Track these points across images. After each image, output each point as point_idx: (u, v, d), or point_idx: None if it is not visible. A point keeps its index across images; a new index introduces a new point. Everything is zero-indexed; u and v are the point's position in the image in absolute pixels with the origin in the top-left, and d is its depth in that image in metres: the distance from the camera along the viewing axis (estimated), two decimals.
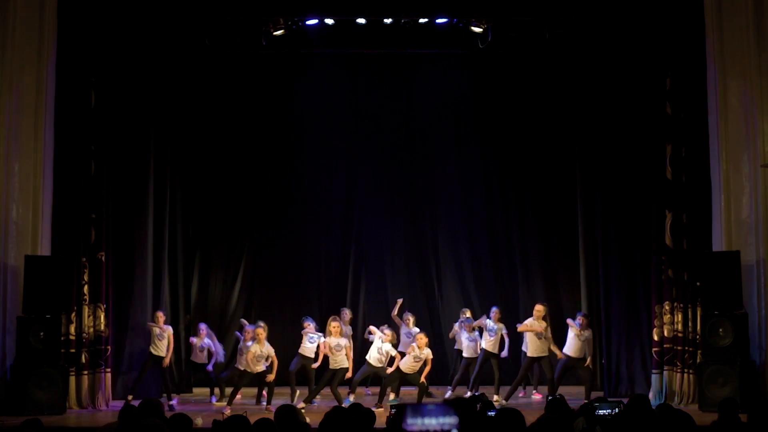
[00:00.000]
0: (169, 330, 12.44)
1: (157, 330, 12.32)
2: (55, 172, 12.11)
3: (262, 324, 12.45)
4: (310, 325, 12.58)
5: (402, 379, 12.34)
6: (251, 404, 12.37)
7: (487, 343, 12.80)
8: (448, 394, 13.11)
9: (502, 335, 12.87)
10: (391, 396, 12.48)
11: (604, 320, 13.14)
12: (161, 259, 13.68)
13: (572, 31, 13.02)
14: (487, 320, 12.92)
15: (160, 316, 12.46)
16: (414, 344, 12.24)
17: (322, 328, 12.63)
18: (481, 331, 13.02)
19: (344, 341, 12.34)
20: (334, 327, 12.30)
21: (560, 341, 12.74)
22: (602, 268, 13.27)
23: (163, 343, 12.31)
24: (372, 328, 12.72)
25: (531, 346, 12.58)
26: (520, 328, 12.77)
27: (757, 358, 11.56)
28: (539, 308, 12.65)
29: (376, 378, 12.69)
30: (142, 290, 13.23)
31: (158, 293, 13.58)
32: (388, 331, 12.43)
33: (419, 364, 12.17)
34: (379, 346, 12.33)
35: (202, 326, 13.23)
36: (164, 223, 13.75)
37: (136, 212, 13.29)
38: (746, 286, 11.63)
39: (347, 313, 13.32)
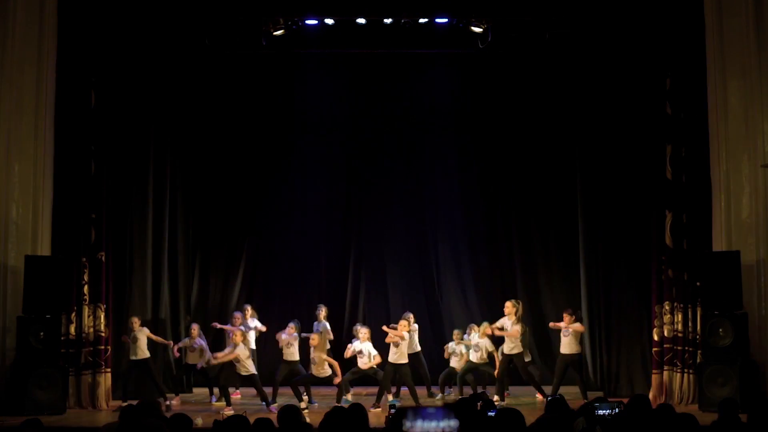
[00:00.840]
0: (144, 330, 12.45)
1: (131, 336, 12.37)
2: (55, 172, 12.12)
3: (241, 327, 12.67)
4: (293, 328, 12.55)
5: (396, 373, 12.29)
6: (251, 404, 12.37)
7: (474, 356, 12.90)
8: (438, 396, 13.16)
9: (490, 352, 12.91)
10: (390, 397, 12.47)
11: (605, 320, 13.15)
12: (161, 259, 13.68)
13: (572, 31, 13.01)
14: (473, 335, 12.98)
15: (135, 320, 12.47)
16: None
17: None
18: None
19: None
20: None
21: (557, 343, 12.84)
22: (602, 268, 13.27)
23: (139, 345, 12.32)
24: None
25: (506, 344, 12.64)
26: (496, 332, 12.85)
27: (757, 358, 11.56)
28: (507, 305, 12.73)
29: (368, 378, 12.68)
30: (142, 290, 13.24)
31: (158, 293, 13.58)
32: (364, 330, 12.52)
33: (404, 345, 12.12)
34: (359, 349, 12.37)
35: (194, 326, 13.16)
36: (164, 223, 13.75)
37: (136, 212, 13.30)
38: (746, 286, 11.62)
39: (323, 310, 13.26)
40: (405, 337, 12.13)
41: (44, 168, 11.97)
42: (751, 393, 11.12)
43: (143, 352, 12.37)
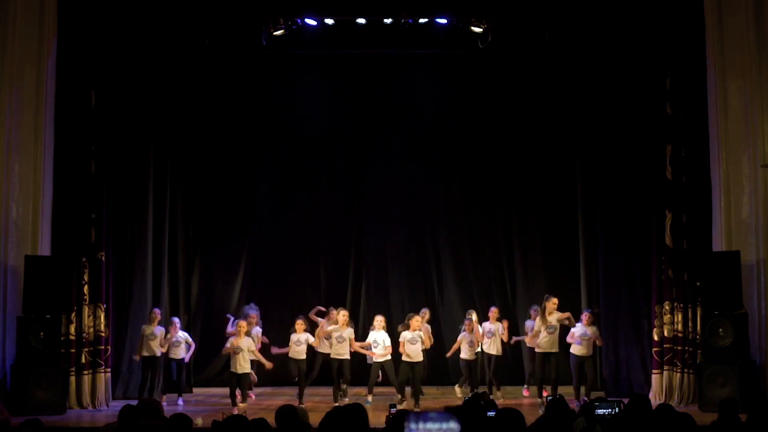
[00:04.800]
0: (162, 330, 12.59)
1: (149, 330, 12.44)
2: (55, 172, 12.13)
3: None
4: (302, 325, 12.59)
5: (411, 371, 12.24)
6: (251, 404, 12.39)
7: (486, 344, 12.84)
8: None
9: (501, 336, 12.94)
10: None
11: (604, 320, 13.14)
12: (161, 259, 13.68)
13: (572, 31, 13.01)
14: (485, 323, 12.99)
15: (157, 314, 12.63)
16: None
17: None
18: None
19: (348, 332, 12.39)
20: (343, 316, 12.40)
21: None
22: (602, 268, 13.27)
23: (156, 342, 12.41)
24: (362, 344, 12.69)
25: (542, 342, 12.36)
26: (528, 340, 12.82)
27: (757, 358, 11.56)
28: (555, 301, 12.45)
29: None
30: (142, 290, 13.24)
31: (158, 293, 13.58)
32: (379, 318, 12.55)
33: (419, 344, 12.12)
34: (373, 339, 12.37)
35: (176, 320, 13.04)
36: (164, 223, 13.75)
37: (136, 212, 13.30)
38: (746, 286, 11.62)
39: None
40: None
41: (44, 168, 11.96)
42: (751, 393, 11.12)
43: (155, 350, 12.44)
